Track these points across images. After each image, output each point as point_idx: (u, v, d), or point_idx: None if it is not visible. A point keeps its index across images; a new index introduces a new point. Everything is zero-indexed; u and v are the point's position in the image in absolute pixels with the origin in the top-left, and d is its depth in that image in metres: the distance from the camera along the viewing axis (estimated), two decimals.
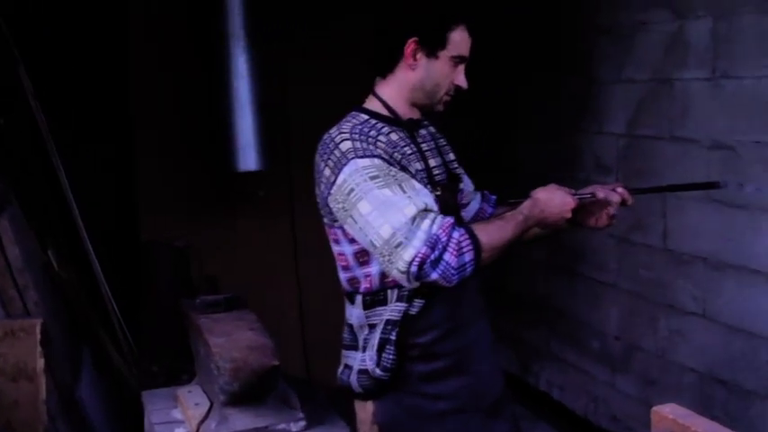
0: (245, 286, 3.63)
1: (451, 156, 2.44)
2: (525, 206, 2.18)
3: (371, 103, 2.29)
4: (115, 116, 4.39)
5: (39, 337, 2.91)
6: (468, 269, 2.06)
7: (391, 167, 2.10)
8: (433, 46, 2.22)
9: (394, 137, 2.22)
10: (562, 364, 4.51)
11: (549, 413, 4.55)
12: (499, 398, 2.40)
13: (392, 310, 2.21)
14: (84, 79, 4.23)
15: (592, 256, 4.21)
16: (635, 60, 3.79)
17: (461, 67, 2.26)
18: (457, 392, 2.28)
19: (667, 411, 1.71)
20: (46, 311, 3.14)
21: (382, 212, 2.04)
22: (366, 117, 2.24)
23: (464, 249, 2.04)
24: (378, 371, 2.23)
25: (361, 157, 2.10)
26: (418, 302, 2.19)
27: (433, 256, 2.00)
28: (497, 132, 4.99)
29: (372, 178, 2.07)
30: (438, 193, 2.22)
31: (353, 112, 2.27)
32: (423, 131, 2.35)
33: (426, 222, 2.02)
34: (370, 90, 2.33)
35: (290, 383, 2.82)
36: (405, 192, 2.06)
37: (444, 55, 2.22)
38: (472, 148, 4.74)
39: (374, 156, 2.11)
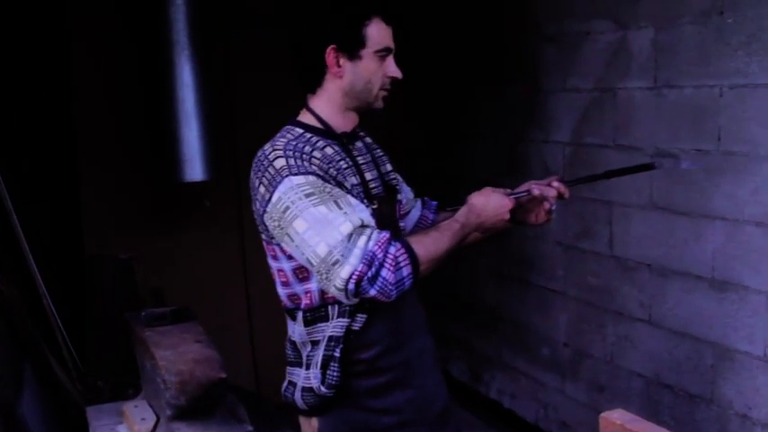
0: (192, 298, 3.58)
1: (388, 166, 2.43)
2: (461, 214, 2.19)
3: (305, 117, 2.26)
4: (57, 127, 4.31)
5: None
6: (407, 283, 2.05)
7: (326, 184, 2.08)
8: (352, 48, 2.18)
9: (329, 151, 2.19)
10: (513, 371, 4.54)
11: (501, 421, 4.57)
12: (443, 410, 2.41)
13: (334, 326, 2.19)
14: (24, 87, 4.15)
15: (540, 263, 4.25)
16: (579, 70, 3.84)
17: (390, 59, 2.23)
18: (401, 407, 2.28)
19: (615, 417, 1.73)
20: None
21: (318, 231, 2.02)
22: (301, 131, 2.21)
23: (401, 264, 2.03)
24: (323, 389, 2.21)
25: (296, 174, 2.07)
26: (361, 317, 2.18)
27: (370, 273, 1.99)
28: (445, 140, 5.02)
29: (307, 196, 2.05)
30: (375, 206, 2.20)
31: (288, 126, 2.24)
32: (358, 144, 2.33)
33: (363, 239, 2.01)
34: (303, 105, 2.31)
35: (238, 396, 2.79)
36: (341, 208, 2.04)
37: (367, 53, 2.18)
38: (419, 155, 4.79)
39: (309, 173, 2.08)
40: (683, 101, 3.28)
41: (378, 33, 2.18)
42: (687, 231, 3.31)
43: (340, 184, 2.11)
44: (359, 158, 2.27)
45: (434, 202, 2.59)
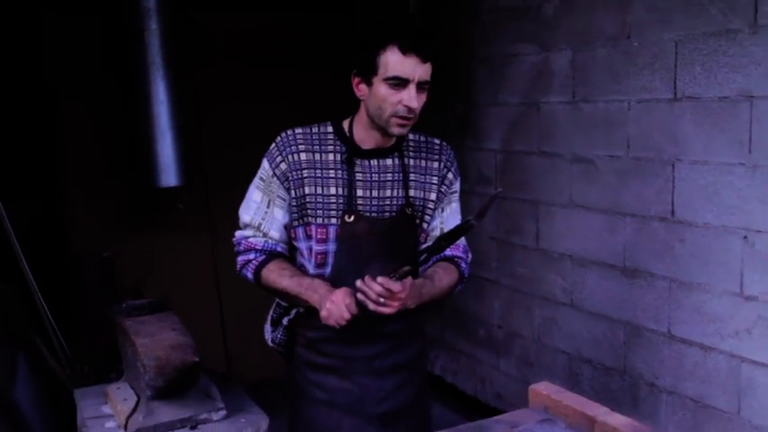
0: (168, 291, 3.54)
1: (420, 194, 2.25)
2: (314, 289, 2.12)
3: (346, 122, 2.22)
4: (45, 139, 4.24)
5: None
6: (250, 280, 2.25)
7: (273, 184, 2.18)
8: (366, 74, 2.07)
9: (330, 157, 2.16)
10: (454, 351, 4.56)
11: (444, 395, 4.59)
12: (390, 413, 2.28)
13: None
14: (13, 103, 4.07)
15: (476, 256, 4.22)
16: (508, 87, 3.87)
17: (409, 88, 2.03)
18: (335, 390, 2.25)
19: (542, 388, 1.76)
20: None
21: (245, 202, 2.26)
22: (330, 129, 2.20)
23: (248, 268, 2.23)
24: (270, 343, 2.34)
25: (267, 159, 2.20)
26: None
27: (235, 249, 2.28)
28: None
29: (260, 178, 2.22)
30: (350, 220, 2.14)
31: (330, 122, 2.22)
32: (373, 162, 2.19)
33: (247, 232, 2.25)
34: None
35: (210, 377, 2.77)
36: (267, 207, 2.21)
37: (377, 80, 2.04)
38: None
39: (272, 166, 2.18)
40: (598, 113, 3.33)
41: (390, 62, 2.01)
42: (602, 226, 3.36)
43: (290, 187, 2.17)
44: (358, 175, 2.17)
45: (446, 255, 2.32)
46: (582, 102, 3.42)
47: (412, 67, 2.02)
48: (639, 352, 3.23)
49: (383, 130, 2.13)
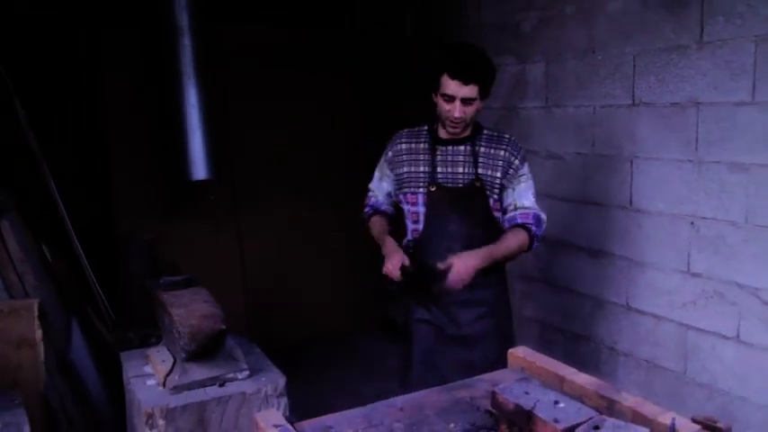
0: (200, 268, 3.59)
1: (488, 172, 2.50)
2: (383, 242, 2.56)
3: (436, 123, 2.57)
4: (95, 138, 4.27)
5: (36, 313, 2.84)
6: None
7: (384, 165, 2.67)
8: (435, 90, 2.46)
9: (421, 145, 2.57)
10: None
11: None
12: (469, 338, 2.56)
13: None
14: (67, 108, 4.11)
15: None
16: (491, 93, 3.87)
17: (455, 102, 2.40)
18: (426, 315, 2.58)
19: (519, 352, 1.79)
20: (42, 293, 3.06)
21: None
22: (425, 128, 2.61)
23: (365, 215, 2.72)
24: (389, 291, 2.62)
25: (385, 151, 2.67)
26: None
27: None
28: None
29: (379, 162, 2.70)
30: (433, 189, 2.50)
31: (425, 125, 2.62)
32: (450, 147, 2.52)
33: (370, 193, 2.75)
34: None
35: (236, 342, 2.80)
36: (378, 180, 2.72)
37: (439, 95, 2.45)
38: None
39: (386, 152, 2.66)
40: (567, 117, 3.35)
41: (444, 83, 2.41)
42: (571, 214, 3.39)
43: (397, 167, 2.60)
44: (439, 156, 2.53)
45: (516, 222, 2.52)
46: (554, 107, 3.43)
47: (457, 88, 2.39)
48: (602, 321, 3.26)
49: (445, 129, 2.52)
